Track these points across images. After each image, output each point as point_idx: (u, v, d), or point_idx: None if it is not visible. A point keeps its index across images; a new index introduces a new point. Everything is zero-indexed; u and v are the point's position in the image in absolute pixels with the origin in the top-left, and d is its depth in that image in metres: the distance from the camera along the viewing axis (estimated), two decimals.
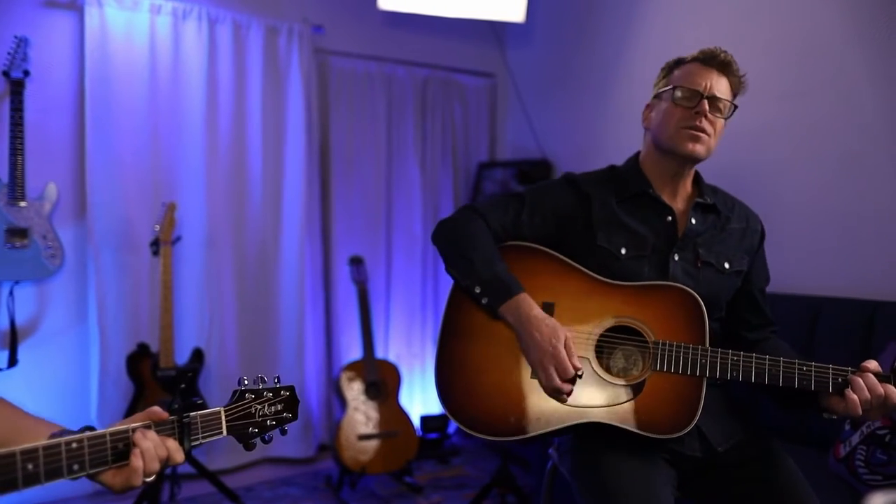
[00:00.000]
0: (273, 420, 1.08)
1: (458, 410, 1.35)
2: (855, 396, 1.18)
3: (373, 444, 2.85)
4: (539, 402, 1.31)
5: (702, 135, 1.36)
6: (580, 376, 1.29)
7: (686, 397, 1.27)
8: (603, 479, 1.26)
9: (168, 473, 2.58)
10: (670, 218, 1.43)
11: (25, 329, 2.67)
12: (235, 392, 1.05)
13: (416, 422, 3.31)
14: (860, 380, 1.19)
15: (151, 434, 0.90)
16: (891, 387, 1.19)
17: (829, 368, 1.23)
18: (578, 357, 1.31)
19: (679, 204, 1.46)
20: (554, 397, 1.29)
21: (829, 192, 2.21)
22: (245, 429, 1.04)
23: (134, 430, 0.89)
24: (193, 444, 0.96)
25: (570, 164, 3.41)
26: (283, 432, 1.10)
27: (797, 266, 2.27)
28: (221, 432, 1.01)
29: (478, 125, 3.82)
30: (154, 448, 0.89)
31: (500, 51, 3.82)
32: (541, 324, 1.30)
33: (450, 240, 1.46)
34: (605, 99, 3.13)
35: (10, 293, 2.58)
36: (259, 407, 1.06)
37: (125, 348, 2.71)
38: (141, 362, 2.63)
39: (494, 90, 3.88)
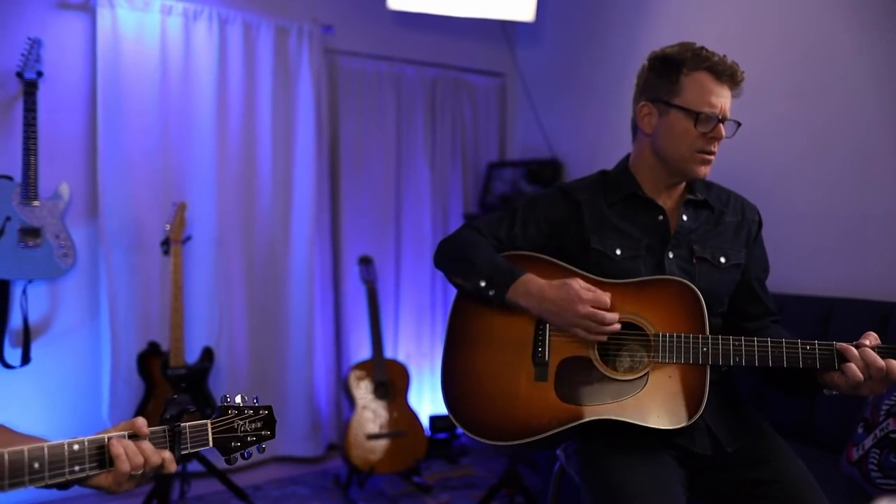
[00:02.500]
0: (253, 436, 1.13)
1: (466, 418, 1.37)
2: (853, 366, 1.18)
3: (381, 444, 2.85)
4: (544, 404, 1.32)
5: (713, 158, 1.38)
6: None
7: (690, 388, 1.26)
8: (610, 478, 1.26)
9: (178, 471, 2.60)
10: (661, 217, 1.44)
11: (38, 327, 2.70)
12: (219, 407, 1.11)
13: (425, 421, 3.31)
14: (855, 350, 1.19)
15: (126, 442, 0.94)
16: (891, 361, 1.17)
17: (832, 345, 1.23)
18: (578, 356, 1.33)
19: (670, 202, 1.47)
20: (605, 333, 1.31)
21: (840, 191, 2.19)
22: (228, 442, 1.09)
23: (109, 438, 0.93)
24: (182, 452, 1.01)
25: (579, 163, 3.40)
26: (262, 450, 1.15)
27: (808, 266, 2.25)
28: (208, 443, 1.06)
29: (487, 125, 3.82)
30: (129, 451, 0.93)
31: (510, 50, 3.81)
32: (551, 289, 1.34)
33: (449, 252, 1.51)
34: (615, 98, 3.12)
35: (24, 292, 2.61)
36: (241, 423, 1.11)
37: (136, 347, 2.74)
38: (151, 361, 2.64)
39: (504, 90, 3.87)
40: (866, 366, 1.17)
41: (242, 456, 1.12)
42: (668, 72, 1.37)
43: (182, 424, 1.01)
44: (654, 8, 2.94)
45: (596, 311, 1.30)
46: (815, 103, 2.25)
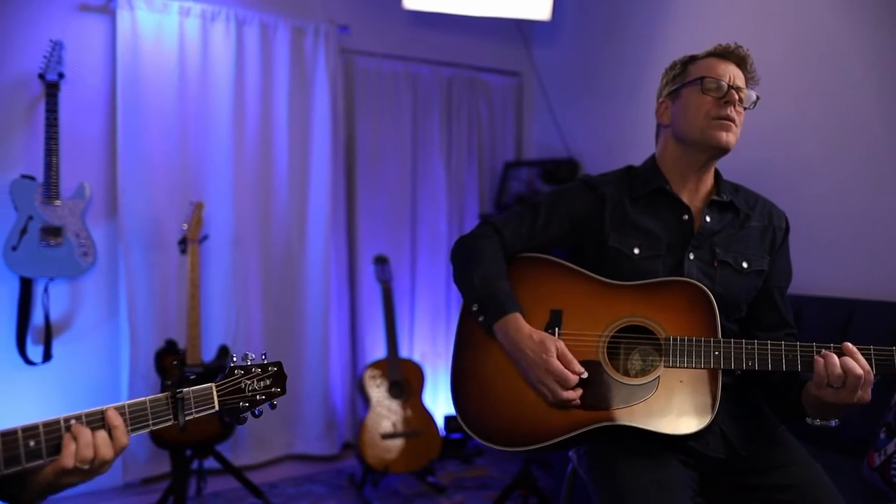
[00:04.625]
0: (262, 395, 1.12)
1: (474, 421, 1.35)
2: (819, 360, 1.17)
3: (396, 443, 2.85)
4: (553, 410, 1.30)
5: (732, 124, 1.34)
6: (584, 377, 1.28)
7: (702, 393, 1.24)
8: (618, 480, 1.24)
9: (195, 468, 2.62)
10: (686, 217, 1.41)
11: (59, 325, 2.74)
12: (225, 368, 1.10)
13: (440, 421, 3.31)
14: (857, 352, 1.17)
15: (82, 430, 0.89)
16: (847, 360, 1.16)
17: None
18: (587, 360, 1.30)
19: (697, 202, 1.43)
20: (565, 408, 1.28)
21: (861, 190, 2.14)
22: (236, 403, 1.08)
23: (68, 420, 0.89)
24: (187, 417, 1.00)
25: (596, 162, 3.37)
26: (273, 406, 1.14)
27: (829, 267, 2.20)
28: (213, 406, 1.05)
29: (503, 124, 3.80)
30: (85, 443, 0.89)
31: (526, 49, 3.80)
32: (527, 341, 1.30)
33: (461, 258, 1.49)
34: (633, 97, 3.09)
35: (45, 290, 2.65)
36: (248, 382, 1.10)
37: (154, 344, 2.77)
38: (168, 358, 2.66)
39: (520, 89, 3.86)
40: (839, 366, 1.15)
41: (253, 414, 1.10)
42: (679, 67, 1.43)
43: (185, 390, 1.00)
44: (671, 6, 2.91)
45: (555, 386, 1.25)
46: (833, 102, 2.21)
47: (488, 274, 1.40)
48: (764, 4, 2.48)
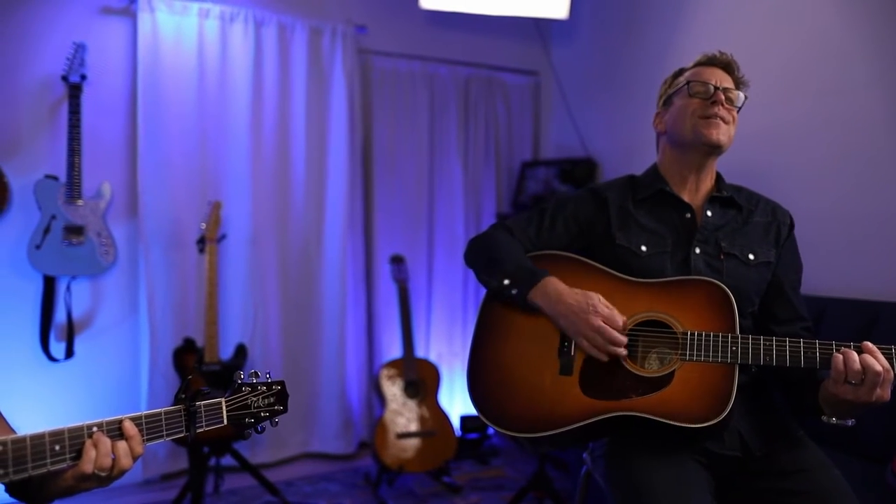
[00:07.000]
0: (266, 412, 1.16)
1: (489, 407, 1.37)
2: (838, 357, 1.15)
3: (411, 443, 2.85)
4: (568, 398, 1.31)
5: (721, 122, 1.38)
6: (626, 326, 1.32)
7: (718, 387, 1.23)
8: (634, 479, 1.23)
9: (212, 465, 2.65)
10: (689, 215, 1.44)
11: (81, 322, 2.79)
12: (233, 384, 1.14)
13: (456, 421, 3.31)
14: (875, 348, 1.16)
15: (102, 438, 0.93)
16: (867, 357, 1.14)
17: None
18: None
19: (698, 201, 1.46)
20: (612, 355, 1.30)
21: (882, 190, 2.09)
22: (242, 419, 1.12)
23: (90, 428, 0.92)
24: (197, 430, 1.04)
25: (614, 162, 3.34)
26: (274, 424, 1.18)
27: (852, 268, 2.16)
28: (222, 421, 1.09)
29: (521, 123, 3.79)
30: (102, 451, 0.92)
31: (544, 48, 3.77)
32: (570, 295, 1.35)
33: (478, 251, 1.53)
34: (651, 96, 3.01)
35: (68, 288, 2.70)
36: (254, 399, 1.14)
37: (173, 342, 2.80)
38: (186, 356, 2.70)
39: (538, 88, 3.83)
40: (859, 362, 1.13)
41: (256, 430, 1.15)
42: (670, 80, 1.52)
43: (197, 404, 1.04)
44: (688, 6, 2.87)
45: (606, 327, 1.30)
46: (852, 99, 2.16)
47: (512, 254, 1.46)
48: (777, 6, 2.44)
